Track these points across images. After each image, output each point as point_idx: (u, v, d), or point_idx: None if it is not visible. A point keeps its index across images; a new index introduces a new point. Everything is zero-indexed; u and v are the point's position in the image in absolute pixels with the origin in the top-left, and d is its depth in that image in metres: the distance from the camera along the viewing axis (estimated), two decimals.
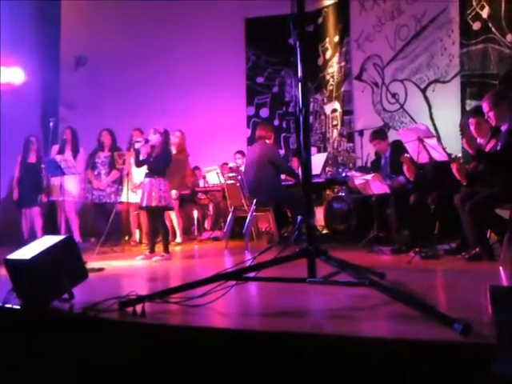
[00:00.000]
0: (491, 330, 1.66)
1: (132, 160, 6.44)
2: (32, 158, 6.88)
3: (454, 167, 4.01)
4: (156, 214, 5.14)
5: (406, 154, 4.63)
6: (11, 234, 6.95)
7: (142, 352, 2.01)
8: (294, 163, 6.99)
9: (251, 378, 1.80)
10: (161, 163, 5.11)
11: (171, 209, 5.69)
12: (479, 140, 4.10)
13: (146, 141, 5.15)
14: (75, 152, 6.68)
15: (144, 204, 5.09)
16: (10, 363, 2.32)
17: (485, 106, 3.88)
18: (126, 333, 2.11)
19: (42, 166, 6.50)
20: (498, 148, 3.82)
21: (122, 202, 6.74)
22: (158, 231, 5.35)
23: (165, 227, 5.26)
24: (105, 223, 5.78)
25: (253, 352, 1.83)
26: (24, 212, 6.90)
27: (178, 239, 6.73)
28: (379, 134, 5.65)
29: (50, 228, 6.50)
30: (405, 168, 4.75)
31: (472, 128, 4.11)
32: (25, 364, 2.27)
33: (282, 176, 6.10)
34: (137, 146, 5.20)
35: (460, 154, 5.85)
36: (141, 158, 5.14)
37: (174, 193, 6.36)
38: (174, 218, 6.72)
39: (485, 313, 1.88)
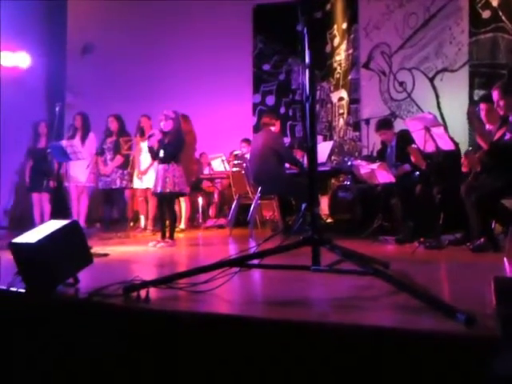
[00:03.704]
0: (495, 322, 1.66)
1: (141, 145, 6.48)
2: (42, 144, 6.93)
3: (465, 161, 4.01)
4: (169, 200, 5.15)
5: (413, 145, 4.61)
6: (23, 219, 7.02)
7: (146, 337, 2.02)
8: (298, 154, 6.97)
9: (254, 365, 1.81)
10: (174, 148, 5.07)
11: (185, 194, 5.67)
12: (488, 126, 4.08)
13: (160, 131, 5.13)
14: (84, 138, 6.71)
15: (158, 190, 5.08)
16: (14, 346, 2.34)
17: (495, 95, 3.85)
18: (129, 318, 2.12)
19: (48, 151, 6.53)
20: (506, 137, 3.80)
21: (131, 188, 6.77)
22: (166, 217, 5.36)
23: (174, 214, 5.27)
24: (110, 209, 5.81)
25: (256, 338, 1.83)
26: (34, 197, 6.97)
27: (182, 225, 6.75)
28: (384, 125, 5.61)
29: (61, 213, 6.54)
30: (412, 159, 4.73)
31: (482, 114, 4.09)
32: (28, 347, 2.29)
33: (287, 164, 6.08)
34: (151, 142, 5.17)
35: (467, 144, 5.85)
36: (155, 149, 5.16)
37: None
38: (182, 203, 6.73)
39: (489, 304, 1.87)
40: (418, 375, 1.58)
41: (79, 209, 6.78)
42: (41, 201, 6.97)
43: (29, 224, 6.35)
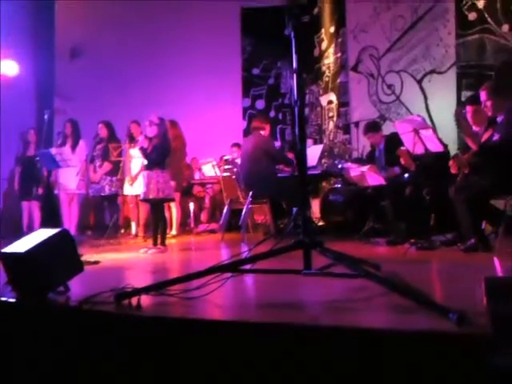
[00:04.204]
0: (486, 321, 1.67)
1: (131, 152, 6.47)
2: (31, 151, 6.90)
3: (453, 164, 4.02)
4: (155, 206, 5.12)
5: (402, 147, 4.63)
6: (12, 227, 6.98)
7: (138, 344, 2.01)
8: (289, 156, 6.98)
9: (249, 369, 1.80)
10: (158, 154, 5.03)
11: (171, 200, 5.63)
12: (474, 128, 4.10)
13: (145, 137, 5.11)
14: (75, 146, 6.67)
15: (142, 197, 5.08)
16: (4, 356, 2.32)
17: (483, 95, 3.87)
18: (121, 325, 2.11)
19: (36, 158, 6.48)
20: (494, 138, 3.82)
21: (121, 195, 6.74)
22: (157, 223, 5.33)
23: (164, 219, 5.24)
24: (102, 216, 5.78)
25: (250, 343, 1.83)
26: (24, 205, 6.93)
27: (174, 231, 6.72)
28: (372, 128, 5.61)
29: (52, 221, 6.49)
30: (402, 161, 4.75)
31: (468, 116, 4.11)
32: (20, 356, 2.27)
33: (279, 166, 6.07)
34: (139, 146, 5.18)
35: (456, 145, 5.88)
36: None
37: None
38: (173, 209, 6.71)
39: (480, 304, 1.88)
40: (414, 375, 1.59)
41: (70, 216, 6.73)
42: (30, 209, 6.93)
43: (19, 232, 6.32)
